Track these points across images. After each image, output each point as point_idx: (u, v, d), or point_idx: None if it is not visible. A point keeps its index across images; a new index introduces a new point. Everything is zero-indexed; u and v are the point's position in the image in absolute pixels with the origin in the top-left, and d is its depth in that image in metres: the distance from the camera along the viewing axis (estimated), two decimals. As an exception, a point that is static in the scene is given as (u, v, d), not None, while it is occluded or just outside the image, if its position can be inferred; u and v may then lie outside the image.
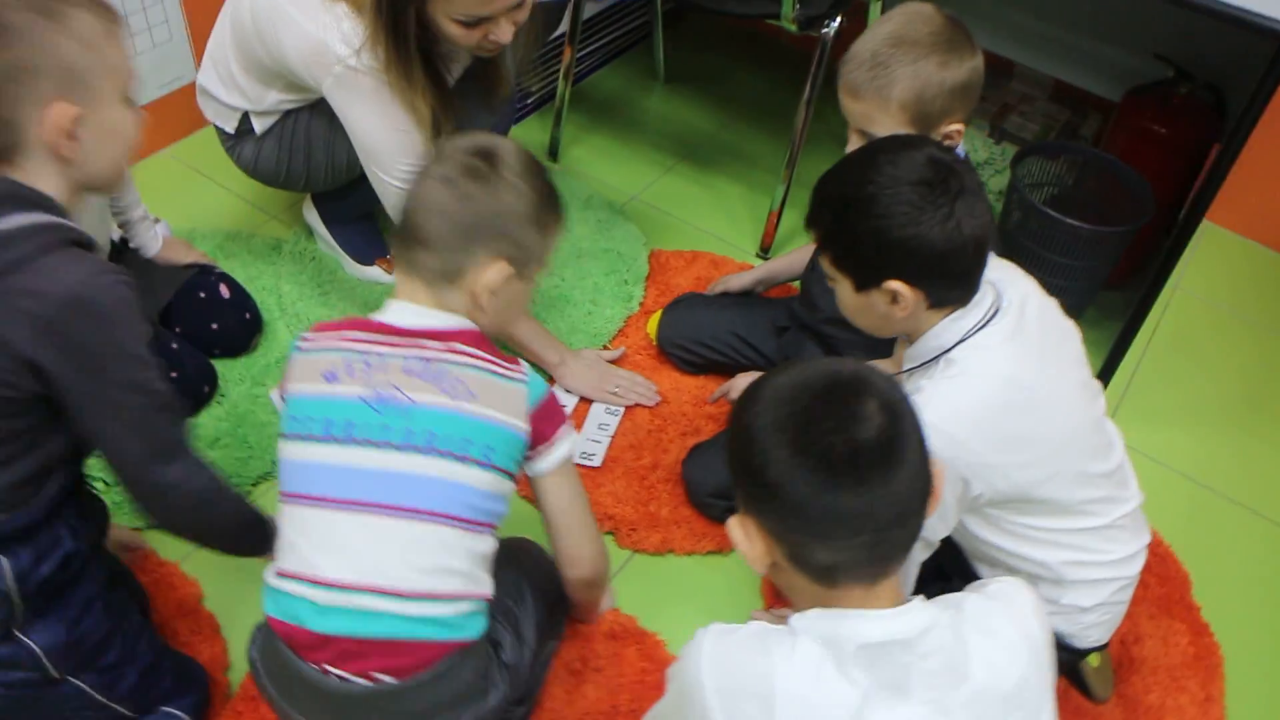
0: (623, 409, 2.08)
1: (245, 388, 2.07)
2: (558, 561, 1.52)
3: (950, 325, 1.35)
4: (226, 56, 1.98)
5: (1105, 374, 2.13)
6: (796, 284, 2.10)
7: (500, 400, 1.33)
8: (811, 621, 1.02)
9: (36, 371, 1.20)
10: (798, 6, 2.12)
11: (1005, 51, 2.65)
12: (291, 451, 1.32)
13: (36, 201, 1.22)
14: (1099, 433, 1.46)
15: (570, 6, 2.53)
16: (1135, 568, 1.51)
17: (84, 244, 1.24)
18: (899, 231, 1.27)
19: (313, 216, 2.33)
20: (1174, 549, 1.95)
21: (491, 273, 1.34)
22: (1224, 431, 2.21)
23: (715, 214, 2.60)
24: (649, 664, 1.68)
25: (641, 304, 2.31)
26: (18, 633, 1.30)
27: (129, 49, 1.29)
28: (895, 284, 1.31)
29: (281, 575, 1.31)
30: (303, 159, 2.06)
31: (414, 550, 1.27)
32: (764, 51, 3.14)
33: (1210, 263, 2.60)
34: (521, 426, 1.35)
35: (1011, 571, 1.47)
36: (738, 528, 1.07)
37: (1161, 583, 1.89)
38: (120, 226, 2.06)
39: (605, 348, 2.20)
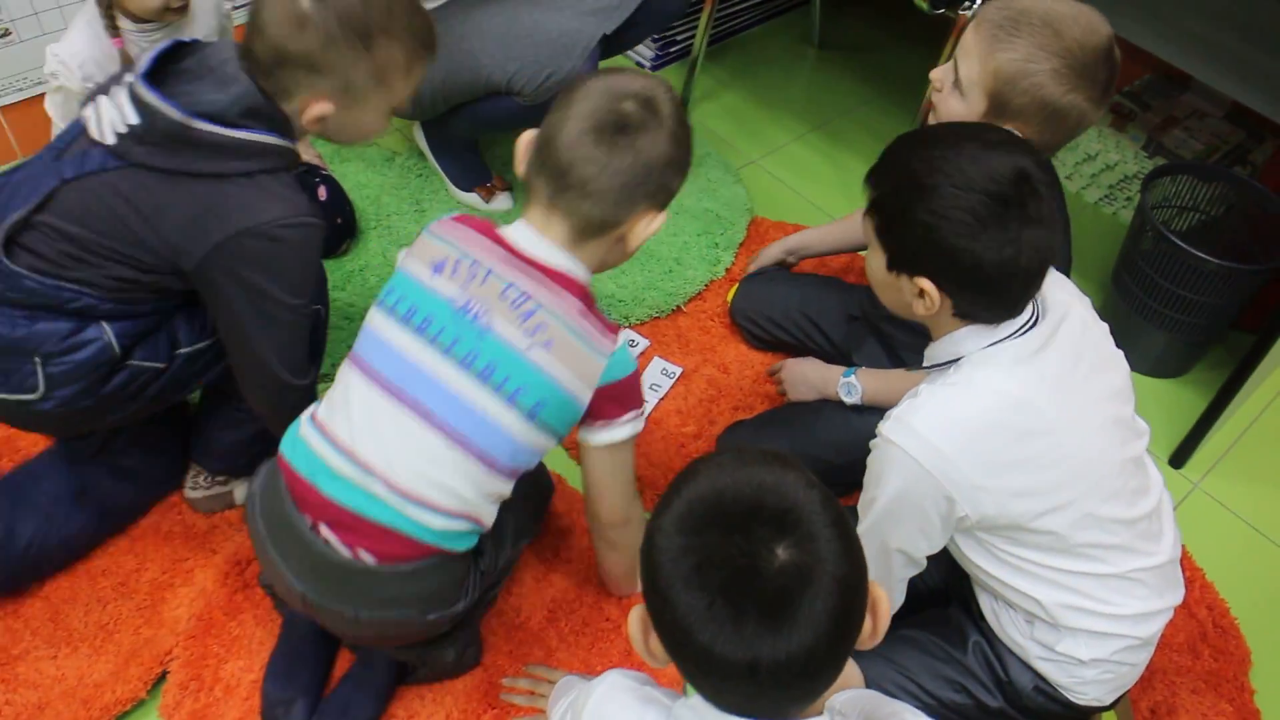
0: (680, 370, 2.03)
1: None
2: (585, 504, 1.52)
3: (974, 334, 1.26)
4: None
5: (1204, 421, 1.95)
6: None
7: (574, 363, 1.30)
8: (693, 713, 0.94)
9: (201, 280, 1.36)
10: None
11: (1180, 61, 2.43)
12: (375, 320, 1.34)
13: (279, 125, 1.36)
14: (1127, 475, 1.32)
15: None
16: (1150, 629, 1.38)
17: (299, 173, 1.39)
18: (951, 238, 1.16)
19: (420, 139, 2.36)
20: (1241, 623, 1.78)
21: (653, 224, 1.33)
22: (1338, 507, 1.99)
23: (831, 189, 2.50)
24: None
25: (728, 270, 2.25)
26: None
27: (420, 76, 1.44)
28: (926, 283, 1.22)
29: (315, 426, 1.34)
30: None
31: (434, 465, 1.29)
32: (921, 26, 2.98)
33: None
34: (583, 396, 1.32)
35: (1006, 602, 1.38)
36: (638, 622, 0.95)
37: (1216, 656, 1.73)
38: None
39: (679, 308, 2.16)
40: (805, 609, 0.83)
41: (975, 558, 1.34)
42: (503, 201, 2.37)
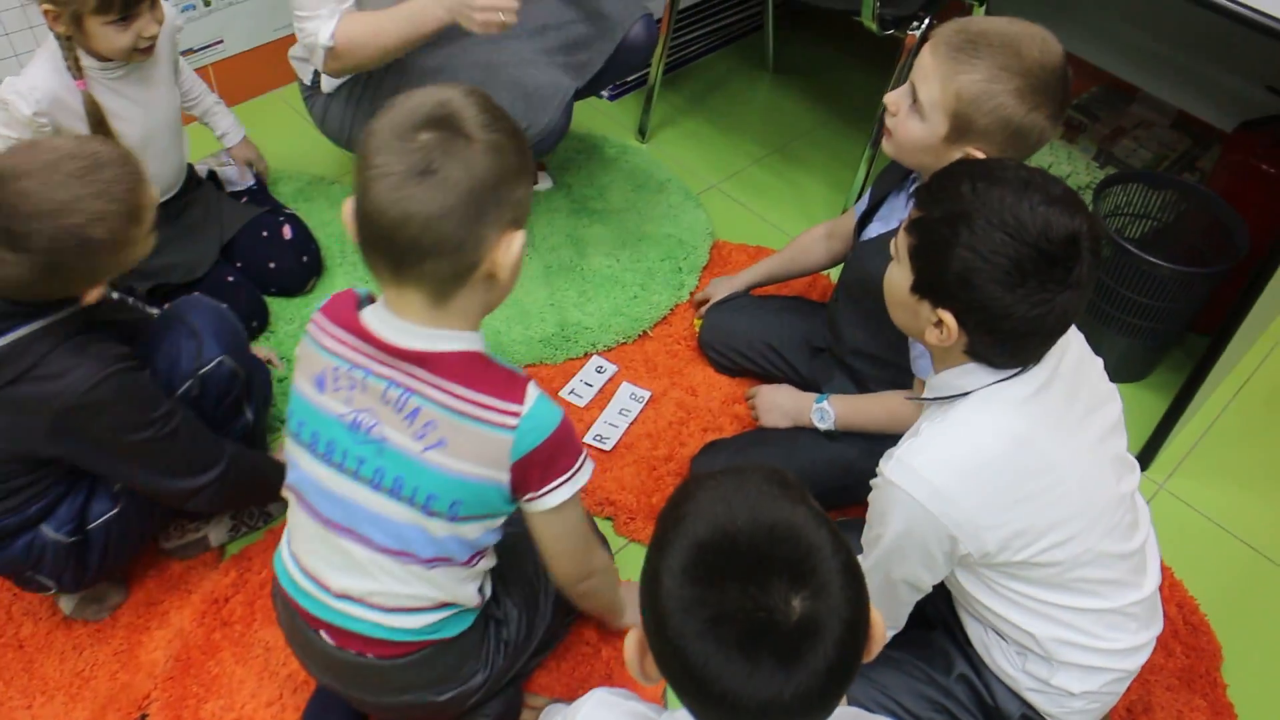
0: (649, 394, 2.05)
1: (294, 328, 2.13)
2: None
3: (979, 371, 1.25)
4: None
5: (1166, 422, 1.98)
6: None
7: (473, 452, 1.20)
8: None
9: (57, 456, 1.43)
10: (879, 6, 2.03)
11: (1127, 74, 2.50)
12: (293, 451, 1.30)
13: (38, 308, 1.37)
14: (1123, 511, 1.34)
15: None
16: (1137, 662, 1.40)
17: (92, 325, 1.41)
18: (989, 283, 1.15)
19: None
20: (1211, 620, 1.81)
21: (513, 246, 1.17)
22: (1301, 501, 2.03)
23: (791, 210, 2.53)
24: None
25: (692, 294, 2.27)
26: None
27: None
28: (948, 317, 1.20)
29: (290, 551, 1.37)
30: (365, 124, 2.09)
31: (394, 579, 1.28)
32: (871, 47, 3.03)
33: (1325, 319, 2.39)
34: (499, 477, 1.22)
35: (998, 634, 1.39)
36: (634, 645, 0.94)
37: (1188, 652, 1.75)
38: (201, 119, 2.20)
39: (645, 332, 2.18)
40: (819, 656, 0.83)
41: (972, 590, 1.35)
42: (545, 182, 2.47)
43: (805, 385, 1.92)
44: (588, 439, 1.96)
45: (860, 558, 1.35)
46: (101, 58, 1.80)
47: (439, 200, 1.10)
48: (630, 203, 2.46)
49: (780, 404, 1.88)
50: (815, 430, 1.81)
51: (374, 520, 1.25)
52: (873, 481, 1.28)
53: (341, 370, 1.22)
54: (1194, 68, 2.35)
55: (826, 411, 1.79)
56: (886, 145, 1.59)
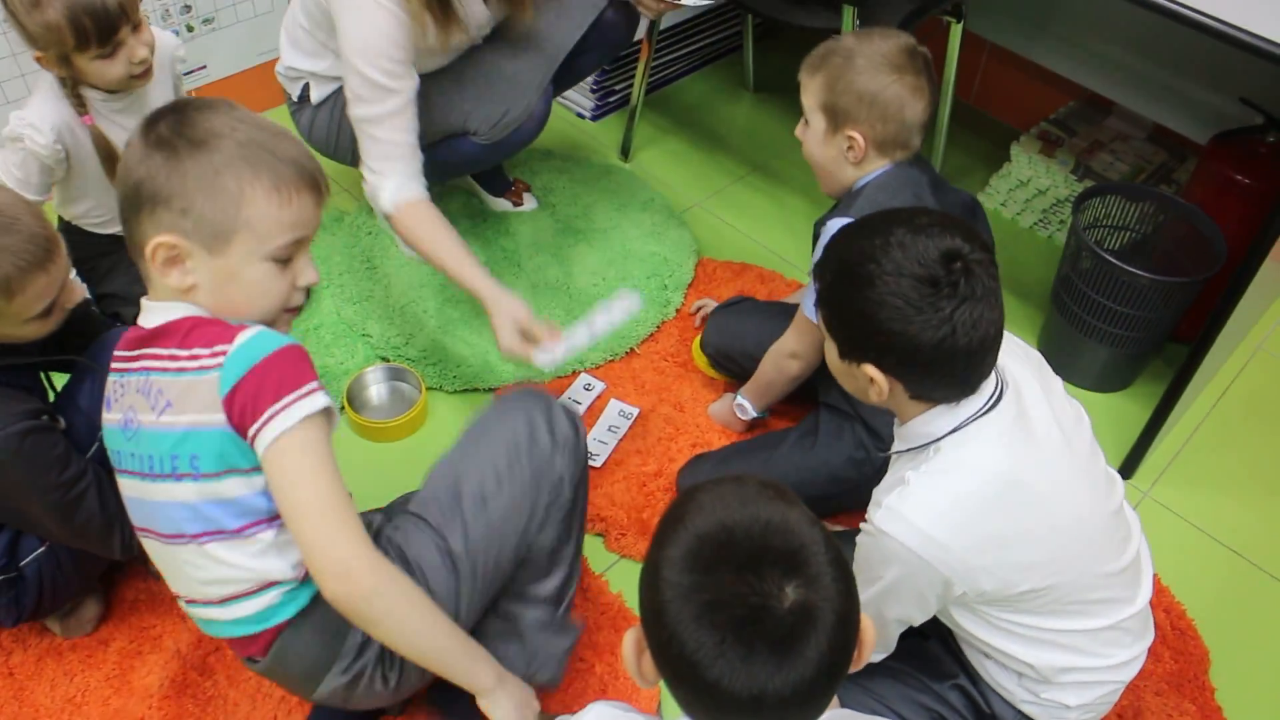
0: (637, 411, 2.06)
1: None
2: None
3: (942, 414, 1.26)
4: (294, 13, 2.05)
5: (1148, 430, 2.00)
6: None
7: (193, 400, 1.17)
8: None
9: None
10: (858, 24, 2.06)
11: (1103, 89, 2.53)
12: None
13: None
14: (1113, 528, 1.36)
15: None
16: (1131, 672, 1.41)
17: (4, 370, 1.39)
18: (887, 324, 1.18)
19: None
20: (1198, 624, 1.82)
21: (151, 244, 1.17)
22: (1285, 505, 2.06)
23: (775, 227, 2.55)
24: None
25: (678, 311, 2.28)
26: None
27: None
28: (872, 370, 1.23)
29: None
30: (350, 133, 2.10)
31: (193, 568, 1.25)
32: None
33: (1302, 327, 2.43)
34: (217, 419, 1.16)
35: (995, 660, 1.40)
36: (632, 644, 0.96)
37: (1177, 657, 1.77)
38: None
39: (633, 349, 2.20)
40: (811, 645, 0.86)
41: (969, 626, 1.36)
42: (529, 203, 2.49)
43: (810, 386, 1.94)
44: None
45: None
46: (101, 89, 1.82)
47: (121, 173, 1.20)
48: (614, 222, 2.48)
49: (719, 414, 2.04)
50: (799, 440, 1.84)
51: (152, 508, 1.24)
52: (862, 527, 1.29)
53: (114, 382, 1.25)
54: (1169, 82, 2.38)
55: (743, 405, 1.96)
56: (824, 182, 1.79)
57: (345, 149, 2.12)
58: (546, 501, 1.41)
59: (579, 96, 2.85)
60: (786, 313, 2.06)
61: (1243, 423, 2.20)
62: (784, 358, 1.85)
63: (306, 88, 2.12)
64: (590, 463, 1.92)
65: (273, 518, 1.22)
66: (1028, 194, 2.58)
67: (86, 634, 1.66)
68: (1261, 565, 1.94)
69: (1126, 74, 2.43)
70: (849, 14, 2.05)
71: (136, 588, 1.72)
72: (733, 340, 2.05)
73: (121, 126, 1.86)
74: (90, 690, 1.59)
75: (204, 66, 2.59)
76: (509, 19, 2.08)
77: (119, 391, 1.25)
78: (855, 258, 1.21)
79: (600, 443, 1.99)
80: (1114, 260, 1.99)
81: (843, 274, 1.23)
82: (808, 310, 1.75)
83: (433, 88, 2.01)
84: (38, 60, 1.76)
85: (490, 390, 2.12)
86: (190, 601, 1.30)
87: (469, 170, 2.34)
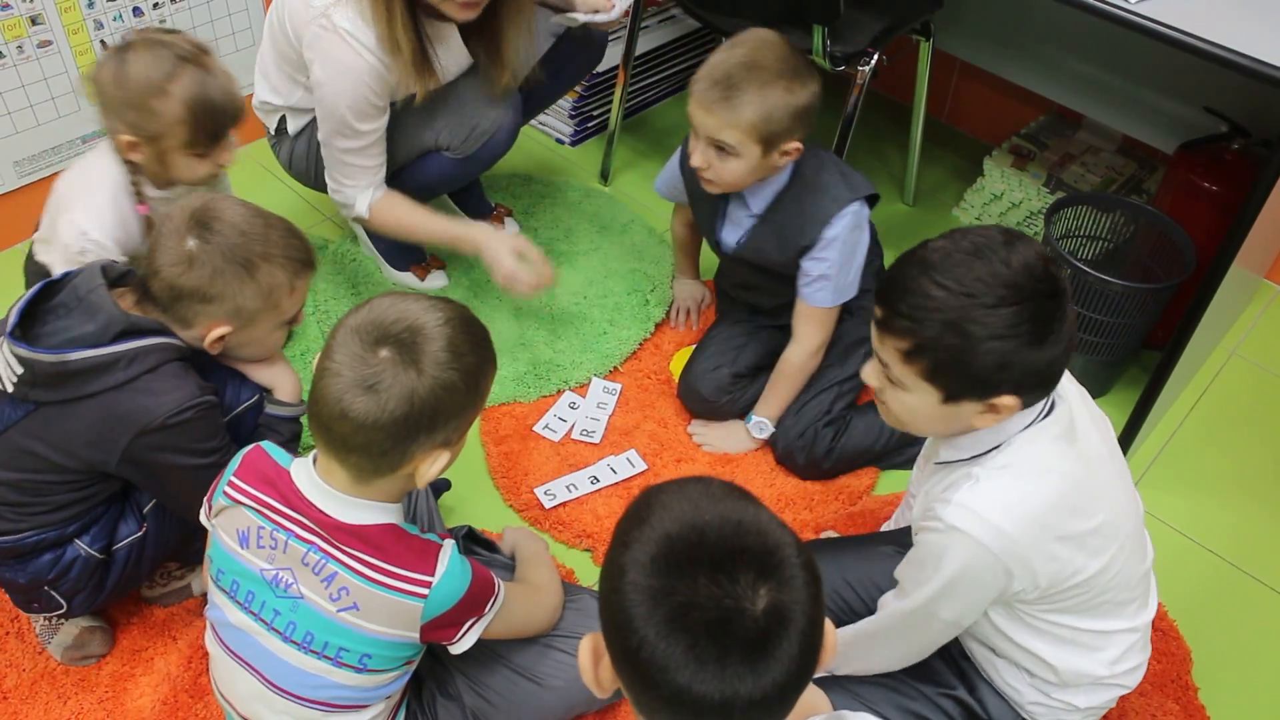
0: (619, 388, 2.17)
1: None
2: None
3: (1011, 420, 1.27)
4: (265, 51, 2.09)
5: (1127, 434, 2.04)
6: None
7: (387, 617, 1.29)
8: None
9: (117, 472, 1.46)
10: (828, 44, 2.10)
11: (1072, 103, 2.58)
12: (217, 598, 1.37)
13: (152, 329, 1.45)
14: (1141, 530, 1.41)
15: (625, 38, 2.57)
16: (1136, 680, 1.45)
17: (186, 357, 1.48)
18: (1025, 353, 1.17)
19: (354, 224, 2.41)
20: (1179, 625, 1.85)
21: (436, 464, 1.27)
22: (1263, 505, 2.08)
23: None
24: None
25: (659, 326, 2.32)
26: None
27: (305, 292, 1.56)
28: (1006, 399, 1.21)
29: (215, 680, 1.46)
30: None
31: (272, 711, 1.36)
32: (825, 85, 3.10)
33: (1274, 329, 2.47)
34: (409, 635, 1.31)
35: (1009, 660, 1.42)
36: (588, 651, 0.94)
37: (1159, 658, 1.79)
38: None
39: (616, 368, 2.22)
40: (783, 649, 0.84)
41: (1003, 625, 1.37)
42: (437, 279, 2.41)
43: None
44: (575, 436, 2.07)
45: (895, 599, 1.38)
46: (167, 185, 1.76)
47: (374, 415, 1.19)
48: (595, 244, 2.51)
49: (721, 443, 2.07)
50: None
51: (284, 667, 1.32)
52: (925, 526, 1.29)
53: (265, 530, 1.30)
54: (1135, 93, 2.42)
55: (761, 422, 1.99)
56: (712, 188, 1.88)
57: (324, 178, 2.15)
58: None
59: (558, 122, 2.89)
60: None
61: (1220, 426, 2.23)
62: (811, 357, 1.96)
63: (283, 120, 2.15)
64: (591, 439, 2.06)
65: (389, 696, 1.39)
66: (1001, 207, 2.62)
67: (87, 666, 1.67)
68: (1240, 566, 1.97)
69: (1094, 87, 2.48)
70: (819, 33, 2.09)
71: (128, 610, 1.73)
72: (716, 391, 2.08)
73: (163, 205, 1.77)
74: (84, 713, 1.60)
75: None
76: (482, 68, 2.11)
77: (271, 543, 1.30)
78: (963, 299, 1.18)
79: (593, 420, 2.11)
80: (1086, 269, 2.03)
81: (954, 320, 1.18)
82: (820, 301, 1.90)
83: (403, 111, 2.05)
84: (121, 143, 1.67)
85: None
86: None
87: (445, 188, 2.35)
